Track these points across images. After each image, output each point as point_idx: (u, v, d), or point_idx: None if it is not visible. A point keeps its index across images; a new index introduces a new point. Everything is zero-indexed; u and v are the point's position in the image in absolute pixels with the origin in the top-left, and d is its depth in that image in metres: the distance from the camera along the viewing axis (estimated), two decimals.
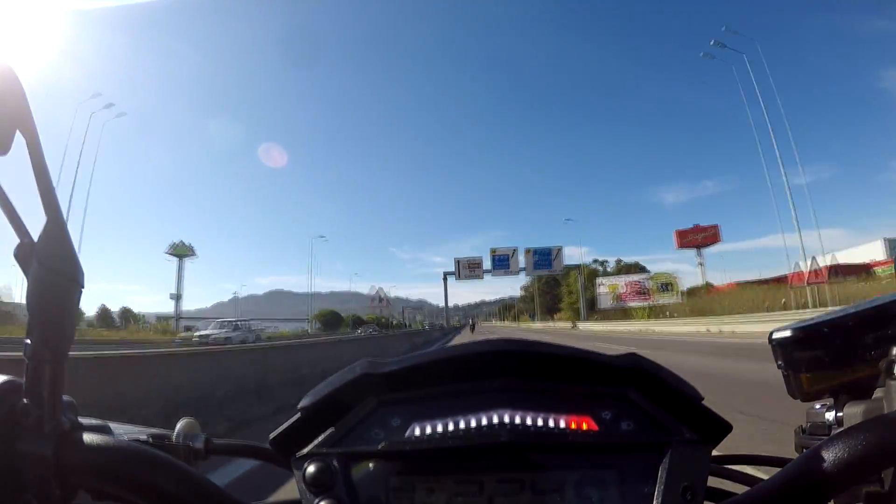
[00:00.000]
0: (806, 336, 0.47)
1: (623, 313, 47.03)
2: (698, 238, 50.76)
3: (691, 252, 51.37)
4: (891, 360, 0.40)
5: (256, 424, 5.05)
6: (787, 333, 0.48)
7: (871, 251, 38.88)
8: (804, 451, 0.36)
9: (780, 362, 0.49)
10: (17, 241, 0.33)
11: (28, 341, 0.33)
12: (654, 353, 8.53)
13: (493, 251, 58.66)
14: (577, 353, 0.37)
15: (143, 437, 0.45)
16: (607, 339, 21.65)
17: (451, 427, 0.36)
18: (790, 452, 0.47)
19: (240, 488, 2.69)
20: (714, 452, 0.39)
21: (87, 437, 0.35)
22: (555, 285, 68.91)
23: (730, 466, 0.52)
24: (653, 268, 58.56)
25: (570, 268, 58.56)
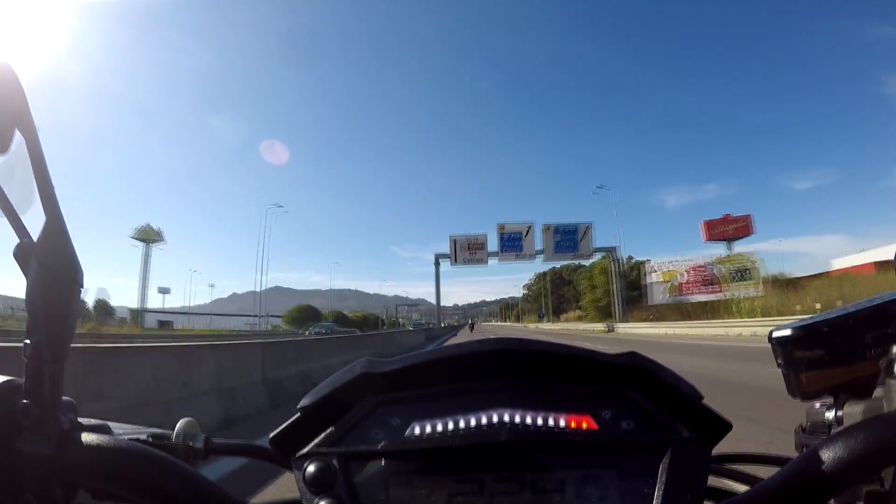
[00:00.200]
0: (806, 335, 0.47)
1: (677, 310, 36.95)
2: (729, 230, 42.65)
3: (715, 248, 42.32)
4: (891, 358, 0.40)
5: None
6: (787, 332, 0.48)
7: None
8: (804, 450, 0.36)
9: (779, 361, 0.49)
10: (16, 240, 0.33)
11: (28, 341, 0.33)
12: None
13: (501, 227, 42.27)
14: (577, 352, 0.37)
15: (143, 436, 0.44)
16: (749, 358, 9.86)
17: (451, 426, 0.36)
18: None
19: (240, 488, 2.69)
20: (714, 452, 0.39)
21: (87, 437, 0.35)
22: (561, 284, 62.78)
23: (730, 466, 0.52)
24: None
25: (600, 251, 44.11)
